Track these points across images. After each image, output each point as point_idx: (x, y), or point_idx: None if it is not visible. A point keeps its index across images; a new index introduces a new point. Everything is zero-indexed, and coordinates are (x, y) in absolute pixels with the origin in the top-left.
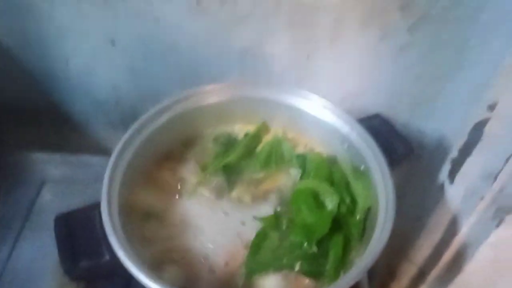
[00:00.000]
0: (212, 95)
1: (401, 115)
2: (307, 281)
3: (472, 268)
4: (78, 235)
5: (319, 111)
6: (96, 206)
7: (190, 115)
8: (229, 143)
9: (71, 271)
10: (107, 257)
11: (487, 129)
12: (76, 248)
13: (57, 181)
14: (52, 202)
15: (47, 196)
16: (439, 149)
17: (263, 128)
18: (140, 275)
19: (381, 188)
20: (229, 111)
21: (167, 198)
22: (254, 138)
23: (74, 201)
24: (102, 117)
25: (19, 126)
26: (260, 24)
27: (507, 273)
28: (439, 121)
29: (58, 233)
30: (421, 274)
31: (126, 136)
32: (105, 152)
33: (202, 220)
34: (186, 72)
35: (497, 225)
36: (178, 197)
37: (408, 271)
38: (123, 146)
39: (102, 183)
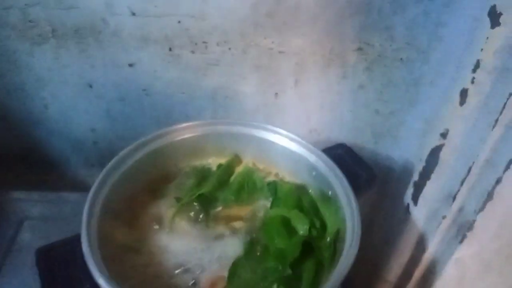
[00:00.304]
0: (186, 131)
1: (367, 144)
2: None
3: (441, 284)
4: (58, 266)
5: (287, 143)
6: (76, 238)
7: (166, 150)
8: (203, 175)
9: None
10: (88, 286)
11: (442, 154)
12: (56, 279)
13: (36, 219)
14: (32, 239)
15: (26, 234)
16: (405, 174)
17: (236, 160)
18: None
19: (347, 212)
20: (202, 145)
21: (145, 230)
22: (227, 170)
23: (54, 238)
24: (80, 157)
25: None
26: (230, 68)
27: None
28: (402, 149)
29: (39, 266)
30: None
31: (103, 172)
32: (84, 189)
33: (180, 250)
34: (161, 114)
35: (460, 242)
36: (156, 228)
37: None
38: (101, 182)
39: (81, 218)
